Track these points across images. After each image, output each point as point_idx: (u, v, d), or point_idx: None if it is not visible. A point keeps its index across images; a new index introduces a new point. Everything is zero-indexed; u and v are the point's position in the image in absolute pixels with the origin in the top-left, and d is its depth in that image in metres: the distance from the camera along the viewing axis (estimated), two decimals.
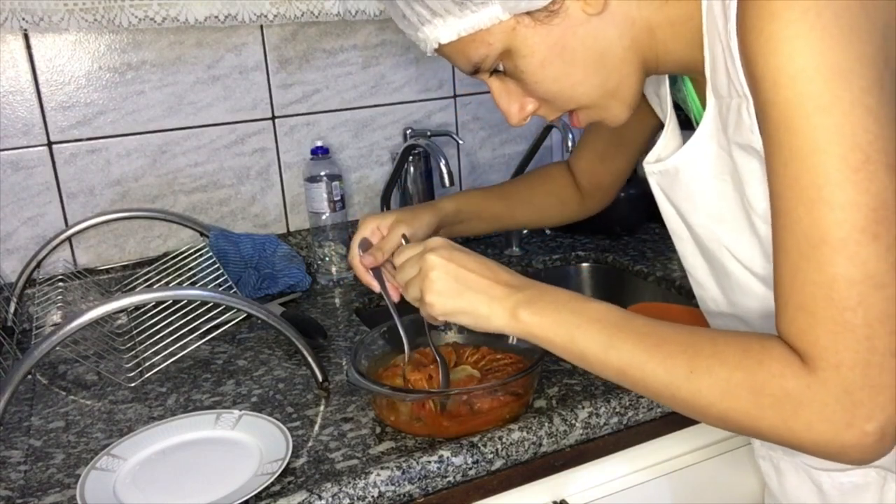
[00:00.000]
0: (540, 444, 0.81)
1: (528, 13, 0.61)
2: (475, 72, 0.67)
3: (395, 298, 0.84)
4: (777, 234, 0.55)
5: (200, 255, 1.22)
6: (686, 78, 0.73)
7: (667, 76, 0.75)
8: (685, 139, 0.70)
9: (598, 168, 1.02)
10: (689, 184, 0.71)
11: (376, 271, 0.85)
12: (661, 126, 0.76)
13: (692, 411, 0.59)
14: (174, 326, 1.01)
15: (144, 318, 1.08)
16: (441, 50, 0.66)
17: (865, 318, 0.51)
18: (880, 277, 0.51)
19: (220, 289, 1.07)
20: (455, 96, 1.47)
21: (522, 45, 0.63)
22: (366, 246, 0.87)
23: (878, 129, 0.51)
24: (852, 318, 0.51)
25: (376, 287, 0.85)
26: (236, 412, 0.85)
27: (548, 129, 1.46)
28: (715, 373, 0.56)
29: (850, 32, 0.50)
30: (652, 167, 0.75)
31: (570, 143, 1.33)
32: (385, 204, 1.39)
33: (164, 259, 1.26)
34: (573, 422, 0.82)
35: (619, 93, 0.66)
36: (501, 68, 0.66)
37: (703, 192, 0.70)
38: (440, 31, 0.64)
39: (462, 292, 0.69)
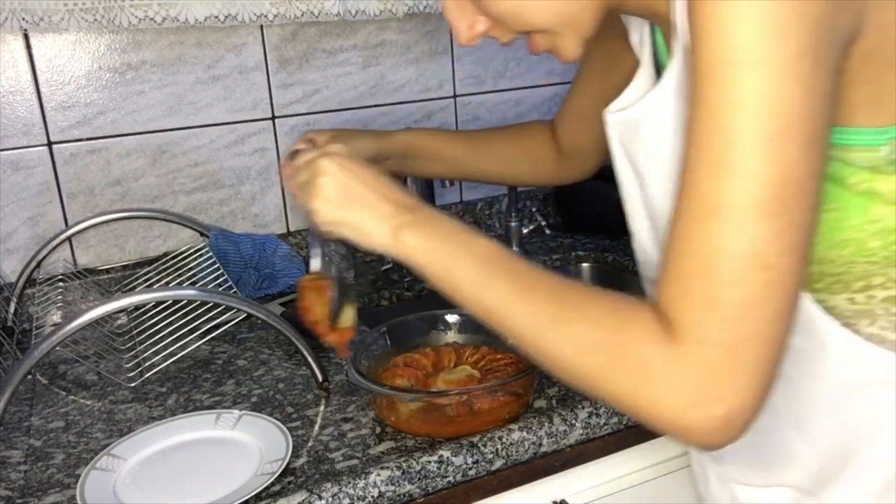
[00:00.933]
0: (540, 444, 0.81)
1: None
2: None
3: None
4: (677, 194, 0.51)
5: (200, 255, 1.22)
6: (658, 29, 0.69)
7: (648, 21, 0.70)
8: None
9: (579, 129, 0.95)
10: (648, 137, 0.66)
11: None
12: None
13: (547, 361, 0.56)
14: (174, 326, 1.01)
15: (144, 318, 1.07)
16: None
17: (741, 298, 0.47)
18: (766, 258, 0.47)
19: (220, 289, 1.07)
20: (455, 96, 1.47)
21: None
22: None
23: (802, 98, 0.46)
24: (727, 295, 0.47)
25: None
26: (236, 412, 0.85)
27: None
28: (575, 326, 0.53)
29: None
30: (613, 116, 0.69)
31: None
32: None
33: (164, 259, 1.26)
34: (573, 422, 0.82)
35: (577, 23, 0.62)
36: None
37: (662, 146, 0.64)
38: None
39: (350, 203, 0.66)
